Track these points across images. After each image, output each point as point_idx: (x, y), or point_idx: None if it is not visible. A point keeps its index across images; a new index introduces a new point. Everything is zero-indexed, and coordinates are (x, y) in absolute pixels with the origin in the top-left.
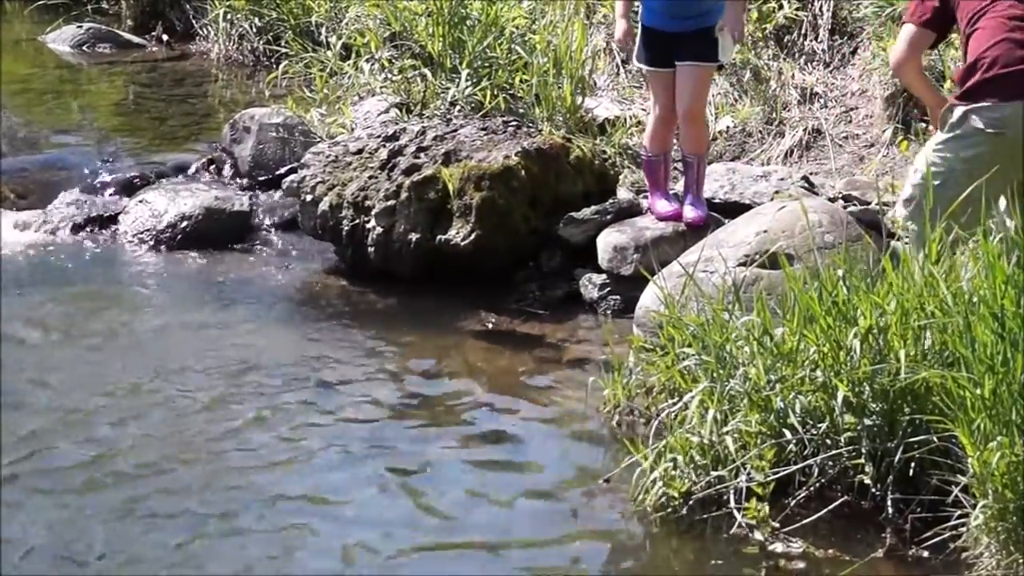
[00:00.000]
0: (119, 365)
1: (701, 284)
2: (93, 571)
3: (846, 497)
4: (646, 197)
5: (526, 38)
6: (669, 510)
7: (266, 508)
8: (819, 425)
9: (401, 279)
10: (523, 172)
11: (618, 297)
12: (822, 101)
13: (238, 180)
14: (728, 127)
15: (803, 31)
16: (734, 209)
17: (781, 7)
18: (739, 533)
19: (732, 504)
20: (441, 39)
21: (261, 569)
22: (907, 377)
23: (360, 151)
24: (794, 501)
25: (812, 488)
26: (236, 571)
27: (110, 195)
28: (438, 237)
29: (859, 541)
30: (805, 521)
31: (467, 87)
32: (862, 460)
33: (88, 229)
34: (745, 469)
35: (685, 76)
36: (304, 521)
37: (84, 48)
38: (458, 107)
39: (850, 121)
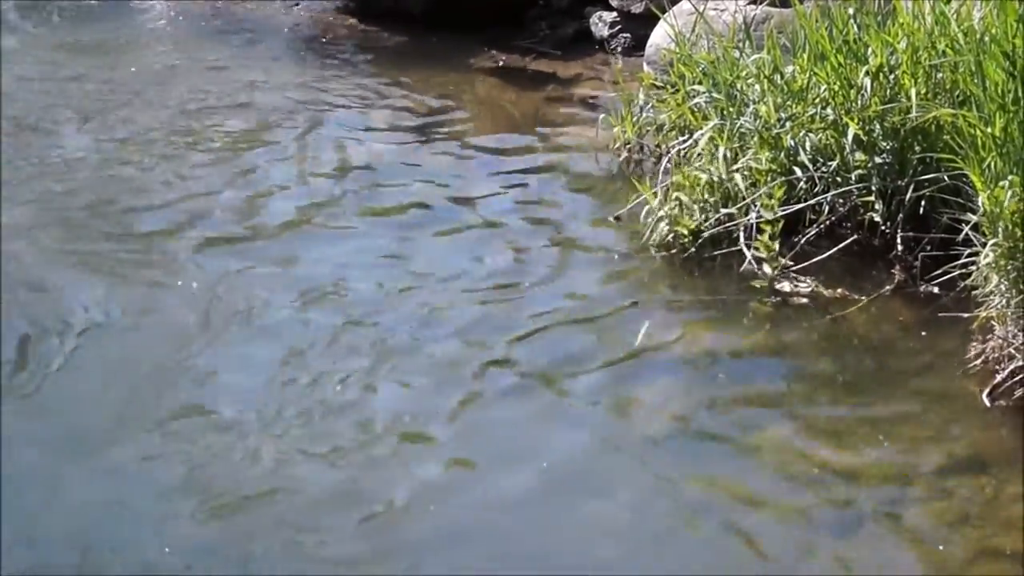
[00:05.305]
0: (131, 104)
1: (712, 22)
2: None
3: (856, 235)
4: None
5: None
6: (678, 248)
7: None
8: (829, 163)
9: (411, 18)
10: None
11: (628, 35)
12: None
13: None
14: None
15: None
16: None
17: None
18: (749, 270)
19: (742, 241)
20: None
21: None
22: (918, 116)
23: None
24: (804, 239)
25: (822, 226)
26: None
27: None
28: None
29: (869, 278)
30: (815, 260)
31: None
32: (872, 198)
33: None
34: (755, 207)
35: None
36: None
37: None
38: None
39: None
